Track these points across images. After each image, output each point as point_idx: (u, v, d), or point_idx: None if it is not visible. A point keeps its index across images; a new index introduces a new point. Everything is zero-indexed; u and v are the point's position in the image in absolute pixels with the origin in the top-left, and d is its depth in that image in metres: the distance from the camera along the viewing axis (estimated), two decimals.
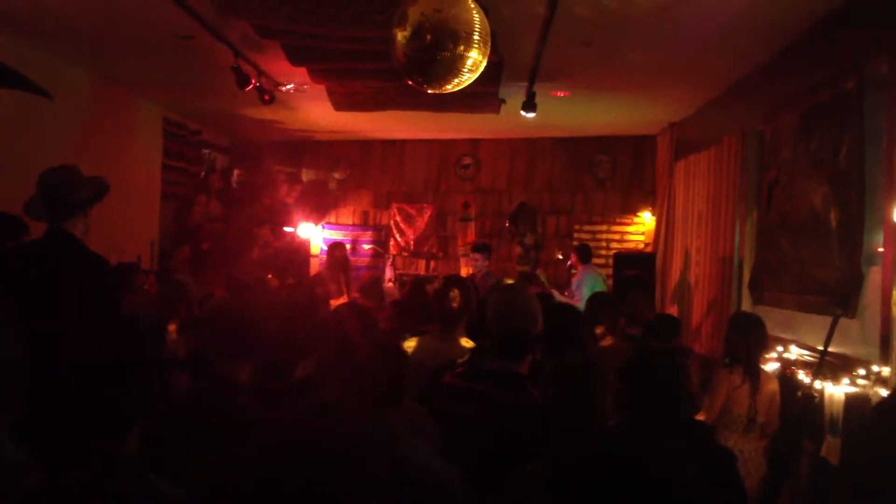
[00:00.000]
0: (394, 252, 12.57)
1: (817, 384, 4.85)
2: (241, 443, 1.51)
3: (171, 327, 4.80)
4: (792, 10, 5.36)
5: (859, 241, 4.80)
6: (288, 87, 8.17)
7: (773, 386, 4.91)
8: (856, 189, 4.83)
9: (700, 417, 4.71)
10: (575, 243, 11.13)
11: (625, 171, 11.83)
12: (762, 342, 4.95)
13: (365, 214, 12.86)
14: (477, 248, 9.62)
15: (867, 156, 4.77)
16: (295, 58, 6.59)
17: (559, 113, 9.34)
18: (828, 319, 4.92)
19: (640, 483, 1.62)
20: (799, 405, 4.91)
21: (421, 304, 5.08)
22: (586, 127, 10.94)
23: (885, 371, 4.37)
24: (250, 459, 1.44)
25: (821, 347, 4.90)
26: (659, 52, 6.65)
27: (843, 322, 4.90)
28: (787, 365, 5.58)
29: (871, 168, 4.76)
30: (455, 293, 4.04)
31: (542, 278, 10.01)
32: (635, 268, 9.69)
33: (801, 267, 5.65)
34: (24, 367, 2.35)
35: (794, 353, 5.65)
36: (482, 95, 7.72)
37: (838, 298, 4.94)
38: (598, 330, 5.05)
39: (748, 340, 4.87)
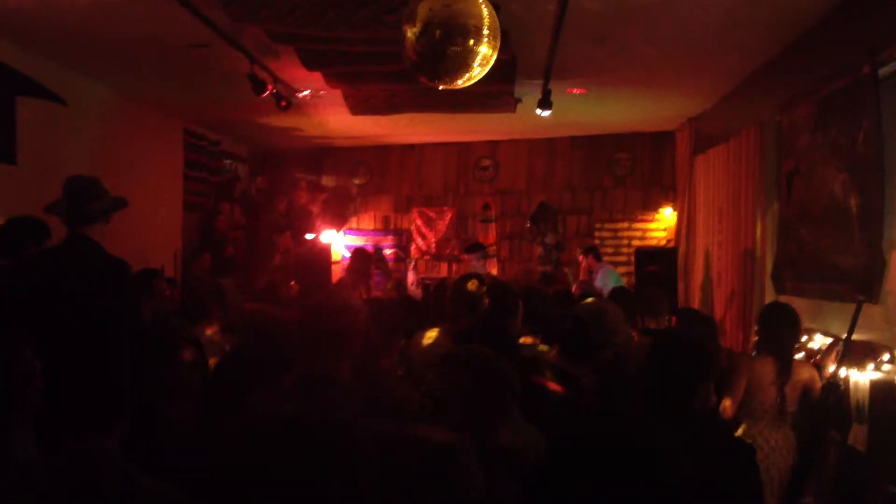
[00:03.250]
0: (415, 256, 12.61)
1: (842, 372, 4.81)
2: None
3: (209, 330, 4.84)
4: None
5: (880, 226, 4.75)
6: (304, 93, 8.22)
7: (808, 374, 4.86)
8: (875, 174, 4.78)
9: (723, 406, 4.69)
10: (596, 242, 11.15)
11: (644, 167, 11.79)
12: (794, 333, 4.92)
13: (386, 219, 12.91)
14: (469, 249, 9.68)
15: (887, 142, 4.74)
16: (309, 62, 6.64)
17: (576, 111, 9.33)
18: (851, 307, 4.89)
19: (623, 467, 1.64)
20: (824, 393, 4.86)
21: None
22: (604, 124, 10.92)
23: None
24: None
25: (845, 335, 4.87)
26: (672, 45, 6.62)
27: (867, 308, 4.86)
28: (812, 354, 5.53)
29: (890, 153, 4.72)
30: (475, 283, 4.10)
31: (570, 277, 10.06)
32: (657, 263, 9.65)
33: (822, 255, 5.61)
34: (39, 374, 2.41)
35: (819, 341, 5.61)
36: (497, 95, 7.73)
37: (861, 284, 4.90)
38: None
39: (778, 331, 4.86)
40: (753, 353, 4.92)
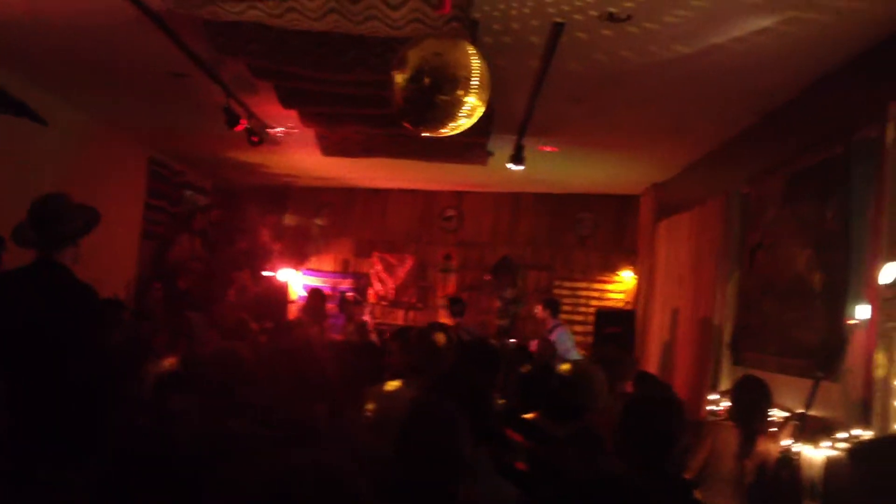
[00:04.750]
0: (372, 301, 12.51)
1: (797, 447, 4.83)
2: None
3: (170, 361, 4.71)
4: (788, 74, 5.43)
5: (843, 303, 4.82)
6: (277, 129, 8.19)
7: (764, 447, 4.87)
8: (841, 253, 4.87)
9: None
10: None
11: (607, 229, 11.92)
12: (761, 405, 4.95)
13: (346, 262, 12.84)
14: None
15: (853, 221, 4.83)
16: (287, 100, 6.61)
17: (545, 168, 9.41)
18: (808, 382, 4.93)
19: None
20: (778, 468, 4.87)
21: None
22: (571, 184, 11.04)
23: (866, 434, 4.36)
24: None
25: (801, 410, 4.90)
26: (647, 110, 6.74)
27: (825, 385, 4.90)
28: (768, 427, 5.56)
29: (858, 233, 4.81)
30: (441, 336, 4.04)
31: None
32: (617, 325, 9.70)
33: (783, 329, 5.67)
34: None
35: (775, 415, 5.64)
36: (471, 146, 7.76)
37: (820, 361, 4.95)
38: None
39: (749, 403, 4.89)
40: (718, 421, 4.93)
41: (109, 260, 8.92)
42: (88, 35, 5.72)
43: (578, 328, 10.93)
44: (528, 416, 3.61)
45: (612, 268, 11.80)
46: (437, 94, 3.64)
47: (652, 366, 9.09)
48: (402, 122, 4.00)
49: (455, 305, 10.06)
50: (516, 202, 12.18)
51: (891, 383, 4.11)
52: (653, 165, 9.15)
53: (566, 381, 3.59)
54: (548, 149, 8.39)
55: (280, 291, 11.80)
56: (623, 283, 11.65)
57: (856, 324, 4.75)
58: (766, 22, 4.44)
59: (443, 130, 3.89)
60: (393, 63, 3.84)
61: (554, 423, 3.43)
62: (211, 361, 3.43)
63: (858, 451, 2.90)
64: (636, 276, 10.81)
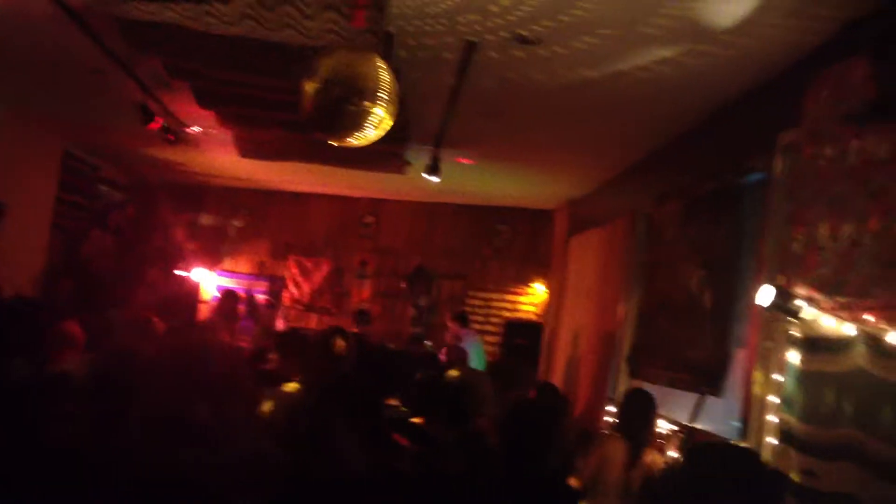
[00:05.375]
0: (287, 304, 12.47)
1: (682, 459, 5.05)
2: None
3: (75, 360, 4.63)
4: (688, 103, 5.68)
5: (729, 323, 5.08)
6: (194, 129, 8.15)
7: (651, 457, 5.08)
8: (730, 275, 5.13)
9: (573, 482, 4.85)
10: (467, 309, 11.34)
11: (522, 242, 12.15)
12: (648, 417, 5.16)
13: (261, 264, 12.76)
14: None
15: (742, 246, 5.09)
16: (204, 101, 6.59)
17: (463, 180, 9.58)
18: (696, 397, 5.17)
19: None
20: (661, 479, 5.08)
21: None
22: (488, 196, 11.23)
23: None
24: None
25: (687, 423, 5.14)
26: (560, 130, 6.95)
27: (712, 400, 5.15)
28: (656, 438, 5.78)
29: (746, 257, 5.07)
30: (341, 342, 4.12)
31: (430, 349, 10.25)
32: (525, 337, 9.93)
33: (675, 345, 5.92)
34: None
35: (664, 427, 5.87)
36: (388, 155, 7.85)
37: (706, 377, 5.20)
38: None
39: (636, 416, 5.08)
40: (608, 433, 5.12)
41: (15, 253, 8.74)
42: (3, 26, 5.63)
43: (490, 339, 11.15)
44: (416, 420, 3.72)
45: (525, 280, 12.03)
46: (346, 104, 3.74)
47: (557, 378, 9.31)
48: (311, 129, 4.08)
49: (361, 317, 10.20)
50: (434, 212, 12.33)
51: (765, 400, 4.34)
52: (568, 182, 9.39)
53: (451, 387, 3.70)
54: (465, 161, 8.55)
55: (192, 291, 11.68)
56: (535, 296, 11.88)
57: (739, 343, 5.02)
58: (666, 53, 4.67)
59: (350, 140, 3.99)
60: (304, 72, 3.92)
61: (441, 428, 3.54)
62: (109, 362, 3.42)
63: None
64: (548, 290, 11.04)
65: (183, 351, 2.84)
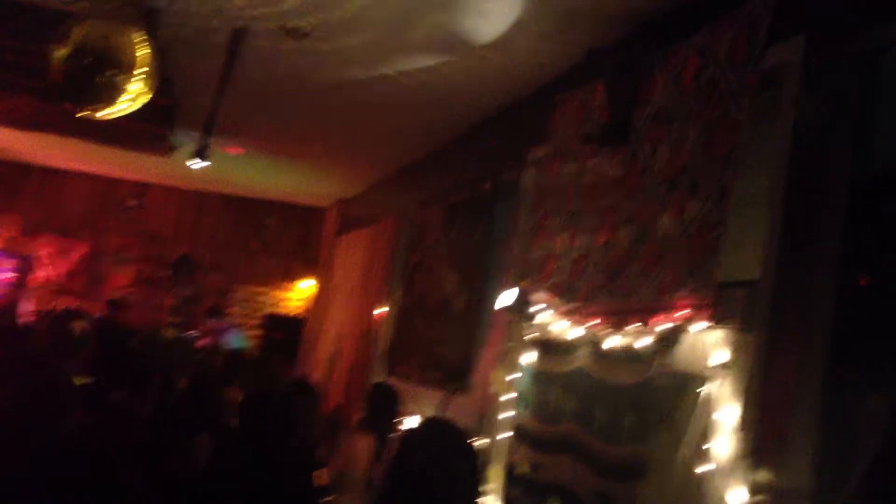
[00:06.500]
0: (36, 285, 11.61)
1: None
2: None
3: None
4: (450, 112, 5.90)
5: (478, 324, 5.34)
6: None
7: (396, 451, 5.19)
8: (481, 278, 5.39)
9: (319, 474, 4.87)
10: (227, 302, 11.18)
11: (292, 237, 12.08)
12: (394, 412, 5.27)
13: (11, 240, 11.78)
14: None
15: (493, 252, 5.37)
16: None
17: (232, 169, 9.36)
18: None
19: None
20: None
21: None
22: (259, 189, 11.07)
23: (483, 443, 4.83)
24: None
25: None
26: (329, 127, 6.99)
27: (462, 397, 5.37)
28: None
29: (497, 262, 5.34)
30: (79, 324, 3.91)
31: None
32: (284, 332, 9.93)
33: (428, 344, 6.13)
34: None
35: (415, 423, 6.05)
36: (151, 136, 7.51)
37: (454, 376, 5.43)
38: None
39: (380, 409, 5.18)
40: (354, 428, 5.19)
41: None
42: None
43: (254, 332, 11.00)
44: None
45: (293, 276, 11.95)
46: (97, 74, 3.57)
47: (316, 373, 9.33)
48: (59, 98, 3.86)
49: (114, 304, 9.83)
50: (202, 200, 11.98)
51: (502, 398, 4.59)
52: (339, 181, 9.44)
53: (128, 350, 3.64)
54: (233, 150, 8.37)
55: None
56: (302, 292, 11.83)
57: (484, 343, 5.28)
58: (429, 61, 4.83)
59: (99, 112, 3.80)
60: (54, 36, 3.71)
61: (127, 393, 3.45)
62: None
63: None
64: (317, 286, 11.05)
65: None
